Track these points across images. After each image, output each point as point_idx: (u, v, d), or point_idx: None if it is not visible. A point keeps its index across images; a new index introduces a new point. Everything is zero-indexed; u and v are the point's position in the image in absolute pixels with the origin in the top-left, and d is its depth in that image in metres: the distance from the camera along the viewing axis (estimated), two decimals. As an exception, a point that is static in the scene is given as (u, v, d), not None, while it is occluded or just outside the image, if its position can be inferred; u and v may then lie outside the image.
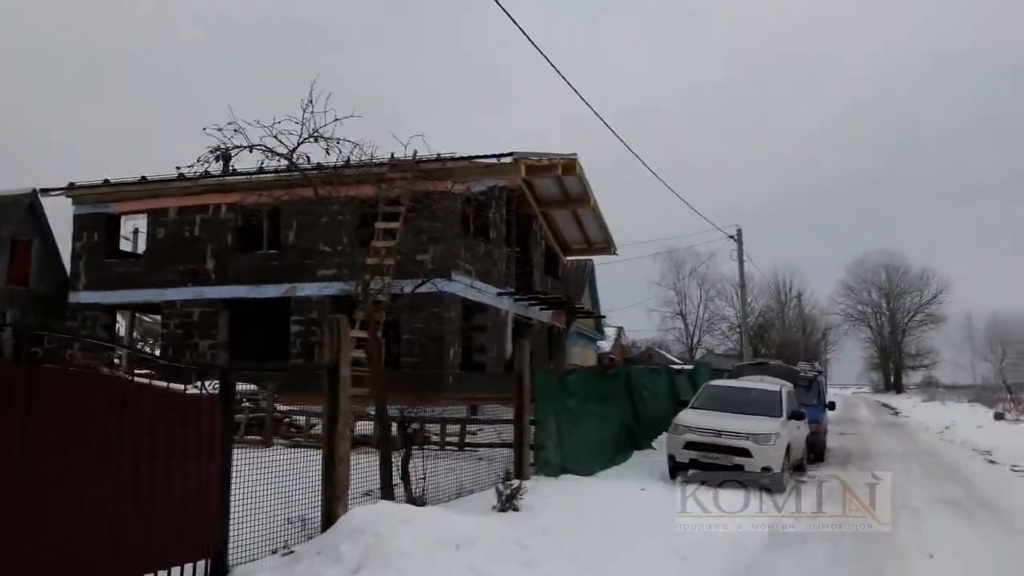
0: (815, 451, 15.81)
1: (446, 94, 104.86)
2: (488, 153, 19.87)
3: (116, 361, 19.85)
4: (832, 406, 18.40)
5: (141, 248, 25.25)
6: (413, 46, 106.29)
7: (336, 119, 9.25)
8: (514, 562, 6.51)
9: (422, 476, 9.18)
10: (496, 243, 22.64)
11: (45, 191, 23.49)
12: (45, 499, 4.80)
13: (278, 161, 9.93)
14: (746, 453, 11.59)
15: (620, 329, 57.42)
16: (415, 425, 12.28)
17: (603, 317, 42.68)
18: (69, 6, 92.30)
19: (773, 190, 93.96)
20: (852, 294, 76.84)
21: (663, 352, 64.39)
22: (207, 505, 6.02)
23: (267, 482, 6.90)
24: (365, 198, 14.09)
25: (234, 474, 6.40)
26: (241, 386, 16.18)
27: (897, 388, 72.81)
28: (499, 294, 21.31)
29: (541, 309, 26.22)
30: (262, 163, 11.56)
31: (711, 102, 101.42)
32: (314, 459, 7.44)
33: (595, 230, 29.63)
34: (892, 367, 77.68)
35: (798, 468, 13.55)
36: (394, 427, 9.72)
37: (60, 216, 24.04)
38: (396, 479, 9.13)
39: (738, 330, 54.16)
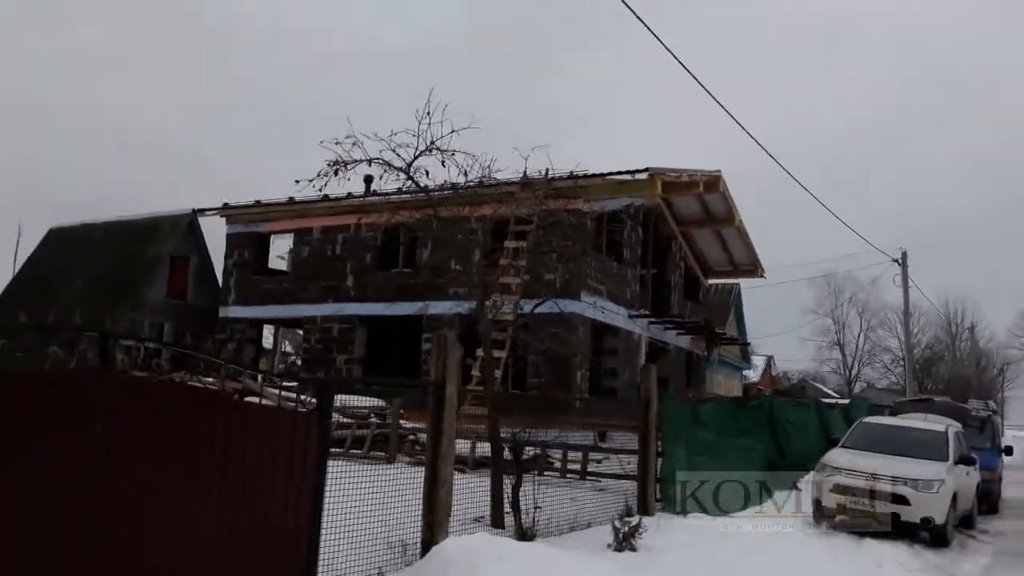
0: (987, 502, 14.01)
1: (588, 116, 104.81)
2: (622, 170, 19.21)
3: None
4: (1009, 451, 16.20)
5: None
6: (549, 71, 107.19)
7: (453, 131, 8.97)
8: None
9: (536, 505, 8.60)
10: (630, 263, 21.85)
11: (202, 211, 25.15)
12: (121, 513, 4.63)
13: (397, 176, 9.73)
14: (904, 500, 10.18)
15: (770, 358, 54.43)
16: (533, 450, 11.79)
17: (748, 344, 40.54)
18: (221, 38, 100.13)
19: (943, 212, 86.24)
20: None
21: (818, 385, 60.40)
22: (296, 526, 5.73)
23: (372, 502, 6.59)
24: (496, 217, 13.84)
25: (328, 493, 6.11)
26: (368, 401, 16.36)
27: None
28: (631, 316, 20.48)
29: (679, 334, 25.05)
30: (402, 185, 11.48)
31: (871, 125, 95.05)
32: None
33: (741, 251, 28.12)
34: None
35: (966, 521, 11.87)
36: (507, 451, 9.21)
37: (215, 235, 25.63)
38: (508, 506, 8.63)
39: (901, 363, 49.90)
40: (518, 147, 10.20)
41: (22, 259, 28.80)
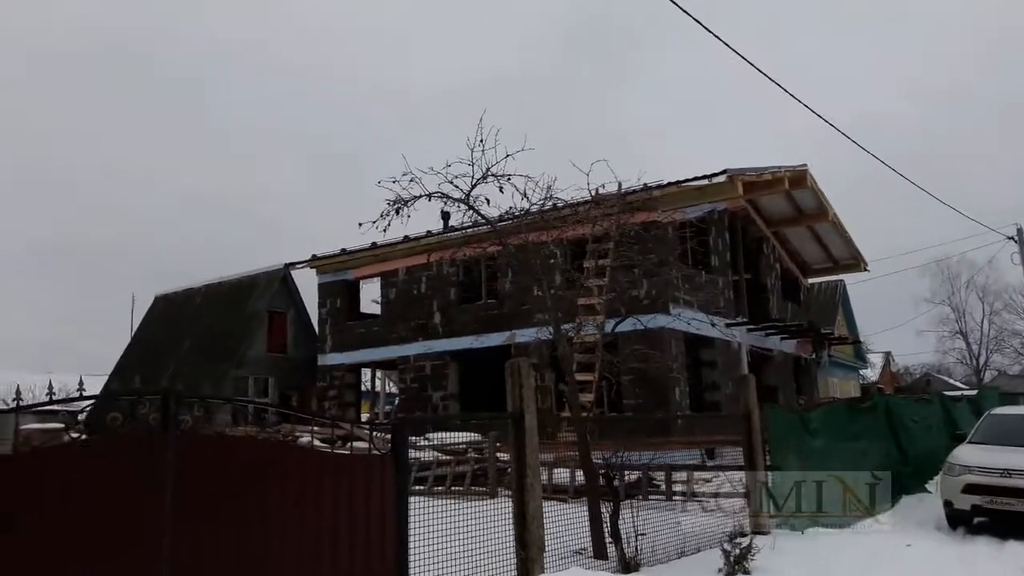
0: None
1: (648, 125, 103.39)
2: (698, 175, 18.61)
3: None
4: None
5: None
6: (601, 84, 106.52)
7: (508, 155, 8.77)
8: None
9: (639, 532, 8.16)
10: (719, 271, 21.09)
11: (292, 265, 25.95)
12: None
13: (458, 207, 9.56)
14: (1050, 497, 9.19)
15: (887, 354, 51.53)
16: (634, 474, 11.32)
17: (858, 343, 38.48)
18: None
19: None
20: None
21: (943, 377, 56.70)
22: (382, 570, 5.57)
23: (468, 539, 6.40)
24: (572, 238, 13.58)
25: (420, 533, 5.95)
26: (465, 436, 16.23)
27: None
28: (728, 325, 19.66)
29: (782, 339, 23.94)
30: (463, 216, 11.39)
31: (955, 102, 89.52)
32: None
33: (839, 246, 26.81)
34: None
35: None
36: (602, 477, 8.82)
37: (308, 287, 26.36)
38: (609, 536, 8.24)
39: (1034, 346, 46.27)
40: (577, 163, 9.93)
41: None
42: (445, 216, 19.85)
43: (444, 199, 9.02)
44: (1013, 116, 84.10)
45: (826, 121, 13.74)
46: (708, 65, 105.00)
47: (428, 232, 21.79)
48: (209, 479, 4.75)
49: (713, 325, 18.61)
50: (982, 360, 58.51)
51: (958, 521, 9.99)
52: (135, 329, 30.64)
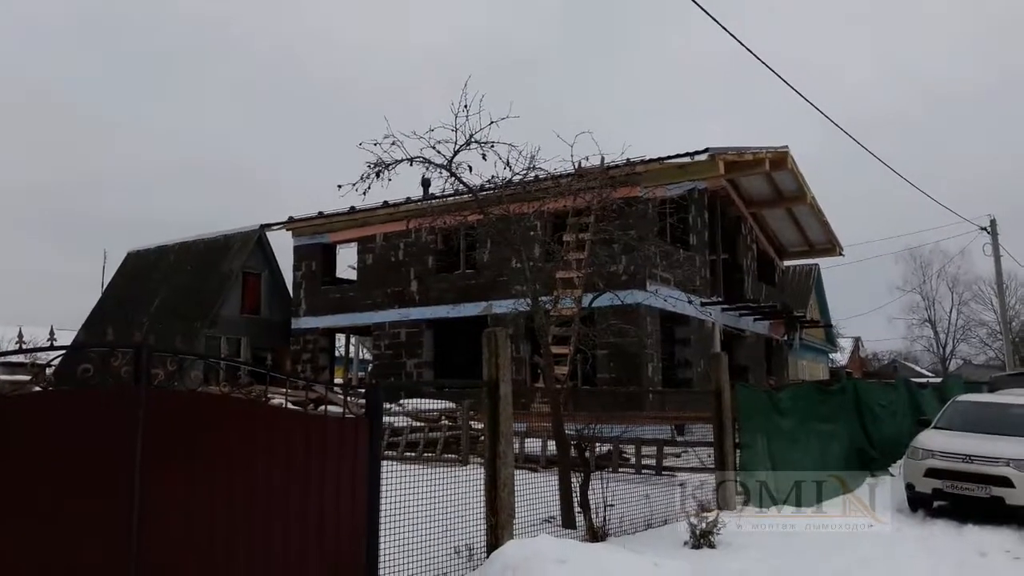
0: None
1: (648, 108, 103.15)
2: (680, 152, 18.60)
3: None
4: None
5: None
6: (607, 61, 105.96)
7: (492, 122, 8.67)
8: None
9: (608, 503, 8.25)
10: (697, 249, 21.18)
11: (268, 226, 25.66)
12: (167, 533, 4.52)
13: (440, 174, 9.44)
14: (1007, 482, 9.41)
15: (857, 340, 52.30)
16: (605, 447, 11.42)
17: (830, 327, 39.01)
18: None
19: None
20: None
21: (910, 364, 57.72)
22: (352, 530, 5.57)
23: (439, 505, 6.43)
24: (553, 211, 13.53)
25: (392, 496, 5.96)
26: (438, 404, 16.27)
27: None
28: (703, 304, 19.81)
29: (755, 319, 24.19)
30: (445, 183, 11.25)
31: (946, 99, 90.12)
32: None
33: (816, 230, 27.06)
34: None
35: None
36: (574, 448, 8.88)
37: (283, 249, 26.11)
38: (579, 506, 8.32)
39: (999, 337, 47.19)
40: (561, 135, 9.85)
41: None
42: (426, 183, 19.59)
43: (426, 164, 8.90)
44: (995, 109, 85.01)
45: (808, 101, 13.79)
46: (695, 45, 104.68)
47: (408, 199, 21.57)
48: (180, 435, 4.69)
49: (689, 303, 18.72)
50: (948, 349, 59.63)
51: (919, 503, 10.22)
52: (106, 285, 30.24)
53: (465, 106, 8.51)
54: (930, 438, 10.77)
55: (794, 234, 27.49)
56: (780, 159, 21.16)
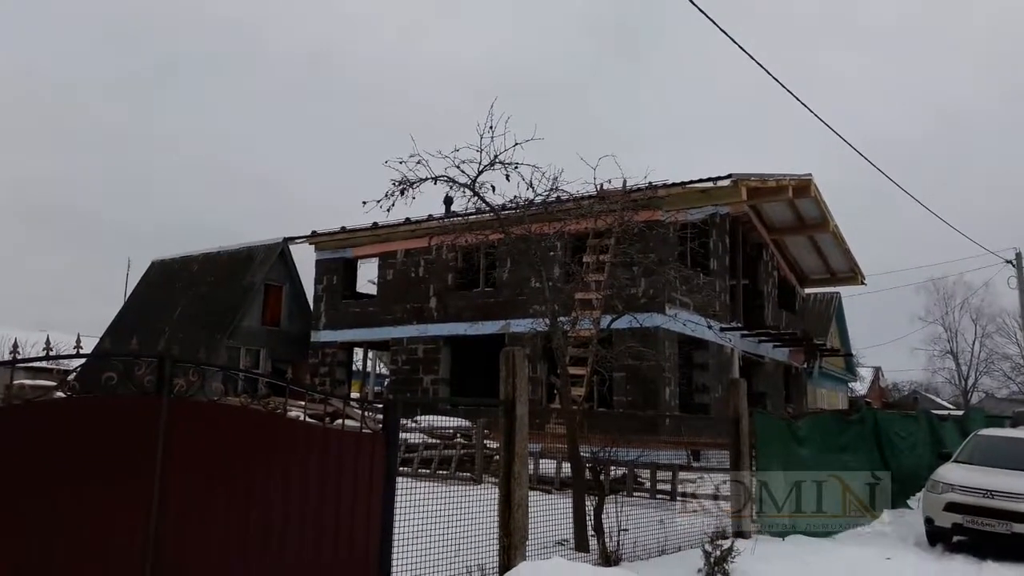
0: None
1: (671, 133, 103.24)
2: (703, 177, 18.61)
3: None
4: None
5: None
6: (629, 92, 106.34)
7: (516, 143, 8.75)
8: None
9: (622, 527, 8.20)
10: (718, 274, 21.10)
11: (291, 239, 25.93)
12: (184, 540, 4.57)
13: (463, 193, 9.54)
14: (1029, 520, 9.25)
15: (877, 369, 51.69)
16: (620, 470, 11.36)
17: (851, 356, 38.61)
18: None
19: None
20: None
21: (931, 396, 56.89)
22: (365, 545, 5.59)
23: (451, 524, 6.44)
24: (575, 232, 13.58)
25: (405, 514, 5.98)
26: (453, 421, 16.28)
27: None
28: (722, 329, 19.69)
29: (775, 346, 24.02)
30: (468, 202, 11.35)
31: (962, 122, 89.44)
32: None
33: (837, 258, 26.88)
34: None
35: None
36: (588, 471, 8.85)
37: (305, 262, 26.34)
38: (592, 529, 8.28)
39: (1023, 371, 46.46)
40: (584, 157, 9.92)
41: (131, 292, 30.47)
42: (448, 201, 19.80)
43: (450, 183, 9.01)
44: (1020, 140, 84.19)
45: (833, 131, 13.77)
46: (721, 73, 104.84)
47: (430, 216, 21.76)
48: (200, 444, 4.76)
49: (708, 327, 18.63)
50: (971, 381, 58.69)
51: (938, 538, 10.05)
52: (129, 293, 30.61)
53: (491, 127, 8.62)
54: (950, 472, 10.62)
55: (815, 262, 27.33)
56: (804, 186, 21.11)
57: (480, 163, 8.81)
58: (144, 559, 4.34)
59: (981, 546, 9.63)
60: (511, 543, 6.70)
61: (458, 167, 8.96)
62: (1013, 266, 29.05)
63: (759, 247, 24.36)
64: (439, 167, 9.03)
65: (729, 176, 18.56)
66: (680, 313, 18.37)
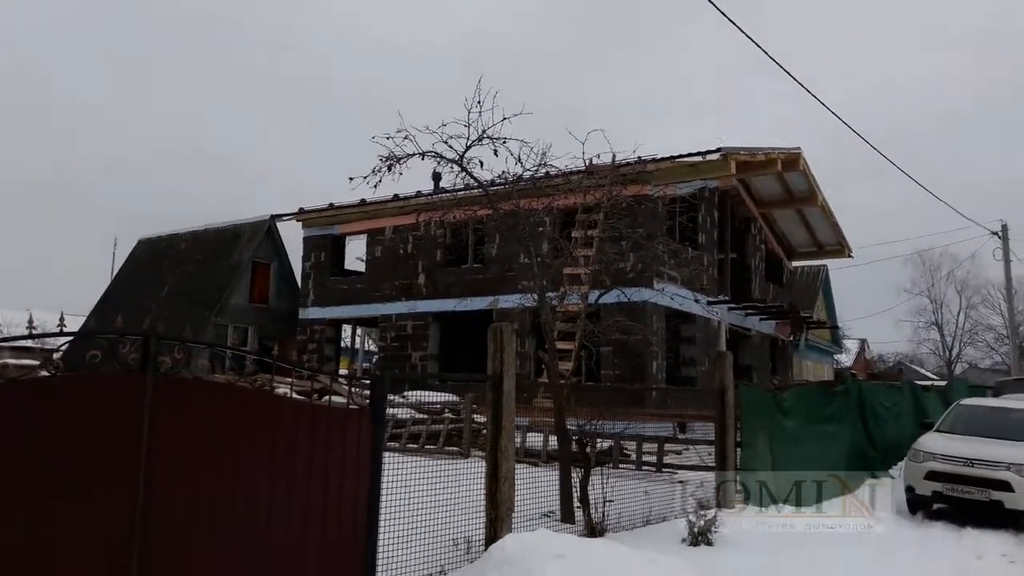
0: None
1: (662, 107, 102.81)
2: (692, 151, 18.61)
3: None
4: None
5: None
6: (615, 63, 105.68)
7: (504, 118, 8.72)
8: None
9: (607, 499, 8.32)
10: (706, 248, 21.18)
11: (279, 216, 25.80)
12: (171, 516, 4.61)
13: (452, 169, 9.51)
14: (1006, 487, 9.44)
15: (863, 341, 52.19)
16: (606, 443, 11.48)
17: (837, 328, 38.91)
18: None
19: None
20: None
21: (915, 367, 57.53)
22: (353, 520, 5.65)
23: (439, 497, 6.52)
24: (564, 207, 13.59)
25: (394, 488, 6.04)
26: (442, 396, 16.38)
27: None
28: (710, 303, 19.81)
29: (762, 319, 24.18)
30: (456, 178, 11.32)
31: (952, 97, 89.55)
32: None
33: (825, 231, 26.99)
34: None
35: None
36: (575, 443, 8.95)
37: (293, 239, 26.24)
38: (578, 501, 8.39)
39: (1006, 342, 46.95)
40: (572, 131, 9.89)
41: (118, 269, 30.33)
42: (436, 177, 19.72)
43: (438, 159, 8.98)
44: (1009, 118, 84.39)
45: (818, 99, 13.79)
46: (707, 45, 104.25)
47: (418, 192, 21.68)
48: (186, 421, 4.77)
49: (695, 301, 18.75)
50: (955, 352, 59.37)
51: (918, 506, 10.25)
52: (116, 271, 30.46)
53: (479, 102, 8.58)
54: (932, 441, 10.80)
55: (803, 235, 27.44)
56: (792, 160, 21.14)
57: (468, 138, 8.78)
58: (131, 538, 4.37)
59: (961, 513, 9.83)
60: (497, 515, 6.79)
61: (446, 143, 8.94)
62: (999, 238, 29.31)
63: (747, 221, 24.43)
64: (427, 143, 9.00)
65: (719, 150, 18.56)
66: (668, 287, 18.44)
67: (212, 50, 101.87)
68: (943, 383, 23.02)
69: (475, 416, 14.94)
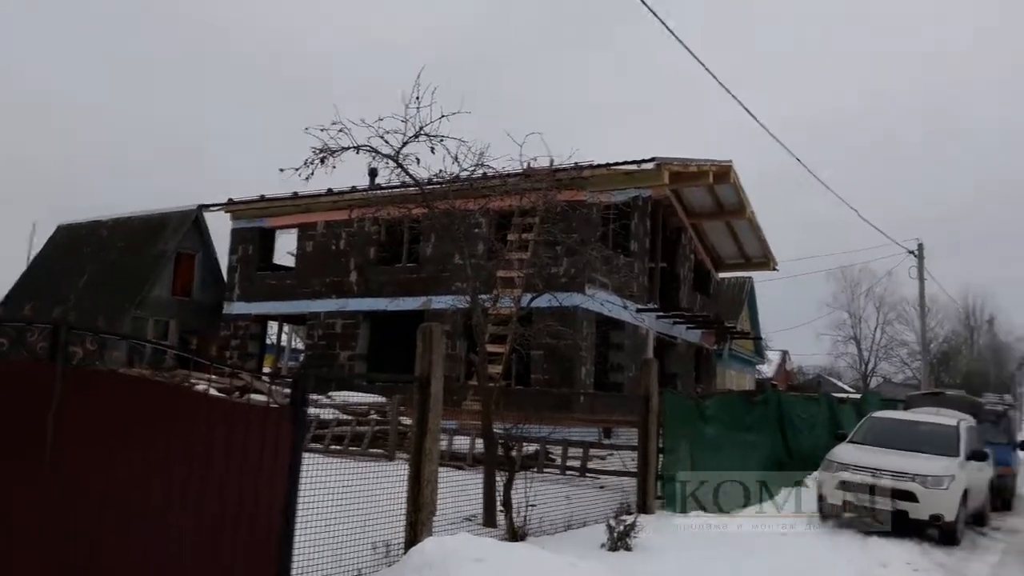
0: (1002, 498, 13.70)
1: (599, 116, 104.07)
2: (628, 160, 18.88)
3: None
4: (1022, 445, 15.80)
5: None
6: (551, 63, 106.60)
7: (443, 116, 8.67)
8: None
9: (530, 503, 8.34)
10: (637, 256, 21.51)
11: (207, 207, 25.07)
12: (85, 512, 4.41)
13: (386, 164, 9.40)
14: (911, 497, 9.86)
15: (784, 353, 53.80)
16: (532, 447, 11.54)
17: (760, 339, 40.03)
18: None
19: (964, 200, 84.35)
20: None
21: (833, 380, 59.68)
22: (268, 522, 5.51)
23: (359, 500, 6.39)
24: (500, 209, 13.60)
25: (311, 490, 5.91)
26: (368, 397, 16.16)
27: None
28: (639, 310, 20.12)
29: (688, 328, 24.69)
30: (391, 174, 11.16)
31: (880, 112, 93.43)
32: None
33: (752, 244, 27.75)
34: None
35: (978, 518, 11.53)
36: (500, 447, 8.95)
37: (220, 231, 25.52)
38: (502, 505, 8.38)
39: (919, 357, 49.18)
40: (512, 134, 9.90)
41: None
42: (372, 173, 19.44)
43: (373, 154, 8.86)
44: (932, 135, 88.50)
45: (747, 109, 14.17)
46: (644, 56, 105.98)
47: (353, 187, 21.33)
48: (99, 414, 4.58)
49: (625, 308, 19.00)
50: (871, 366, 61.98)
51: (829, 514, 10.60)
52: (32, 257, 29.10)
53: (417, 98, 8.50)
54: (844, 452, 11.19)
55: (731, 247, 28.12)
56: (724, 172, 21.66)
57: (405, 134, 8.69)
58: (39, 533, 4.17)
59: (871, 523, 10.20)
60: (418, 519, 6.72)
61: (382, 137, 8.83)
62: (915, 256, 30.65)
63: (678, 231, 24.91)
64: (364, 137, 8.88)
65: (653, 160, 18.89)
66: (599, 293, 18.68)
67: (212, 50, 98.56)
68: (858, 396, 23.94)
69: (402, 418, 14.80)
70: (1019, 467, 15.17)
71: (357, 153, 9.02)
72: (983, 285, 69.76)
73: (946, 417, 12.38)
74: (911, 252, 30.79)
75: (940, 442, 11.13)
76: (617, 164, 19.03)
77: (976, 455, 11.25)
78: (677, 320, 23.35)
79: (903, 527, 9.86)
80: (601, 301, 16.25)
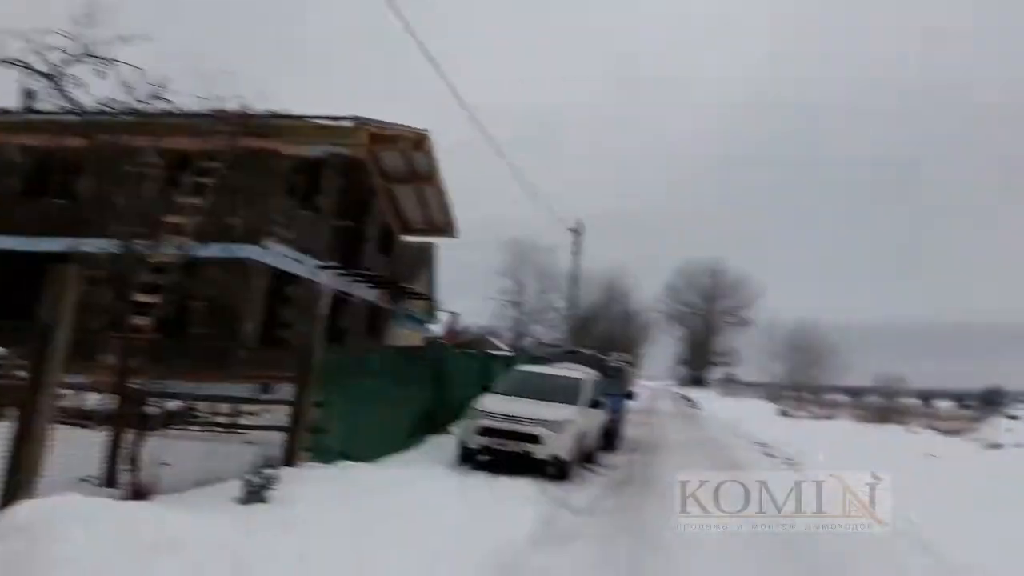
0: (610, 440, 15.94)
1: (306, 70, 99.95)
2: (325, 115, 18.57)
3: None
4: (630, 396, 18.86)
5: None
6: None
7: (120, 37, 7.87)
8: (222, 570, 5.61)
9: (163, 461, 8.02)
10: (325, 213, 21.32)
11: None
12: None
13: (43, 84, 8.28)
14: (536, 440, 11.28)
15: (453, 314, 57.19)
16: (177, 403, 11.09)
17: (431, 300, 41.98)
18: None
19: (619, 194, 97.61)
20: (675, 294, 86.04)
21: (494, 339, 65.04)
22: None
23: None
24: (175, 150, 12.58)
25: None
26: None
27: (700, 383, 78.89)
28: (319, 267, 20.04)
29: (369, 287, 25.12)
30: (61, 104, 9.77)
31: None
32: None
33: (438, 211, 28.87)
34: (698, 363, 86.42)
35: (589, 457, 13.45)
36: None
37: None
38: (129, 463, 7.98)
39: (567, 321, 55.75)
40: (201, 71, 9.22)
41: None
42: (28, 94, 16.89)
43: (26, 69, 7.77)
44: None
45: (448, 83, 14.73)
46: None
47: (3, 110, 18.41)
48: None
49: (301, 264, 18.83)
50: (528, 328, 70.54)
51: (467, 458, 11.70)
52: None
53: (89, 15, 7.61)
54: (487, 401, 12.38)
55: (419, 212, 28.97)
56: (420, 140, 22.19)
57: (69, 53, 7.73)
58: None
59: (502, 464, 11.44)
60: (20, 481, 6.19)
61: (39, 53, 7.78)
62: (575, 233, 34.32)
63: (370, 191, 25.09)
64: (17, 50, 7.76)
65: (352, 117, 18.75)
66: (277, 247, 18.24)
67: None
68: (511, 353, 26.30)
69: (22, 372, 13.22)
70: (627, 414, 17.92)
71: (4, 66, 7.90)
72: (626, 263, 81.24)
73: (575, 372, 14.21)
74: (571, 230, 34.44)
75: (566, 392, 12.79)
76: (314, 117, 18.62)
77: (594, 404, 13.12)
78: (357, 279, 23.63)
79: (528, 467, 11.20)
80: (278, 255, 15.87)
